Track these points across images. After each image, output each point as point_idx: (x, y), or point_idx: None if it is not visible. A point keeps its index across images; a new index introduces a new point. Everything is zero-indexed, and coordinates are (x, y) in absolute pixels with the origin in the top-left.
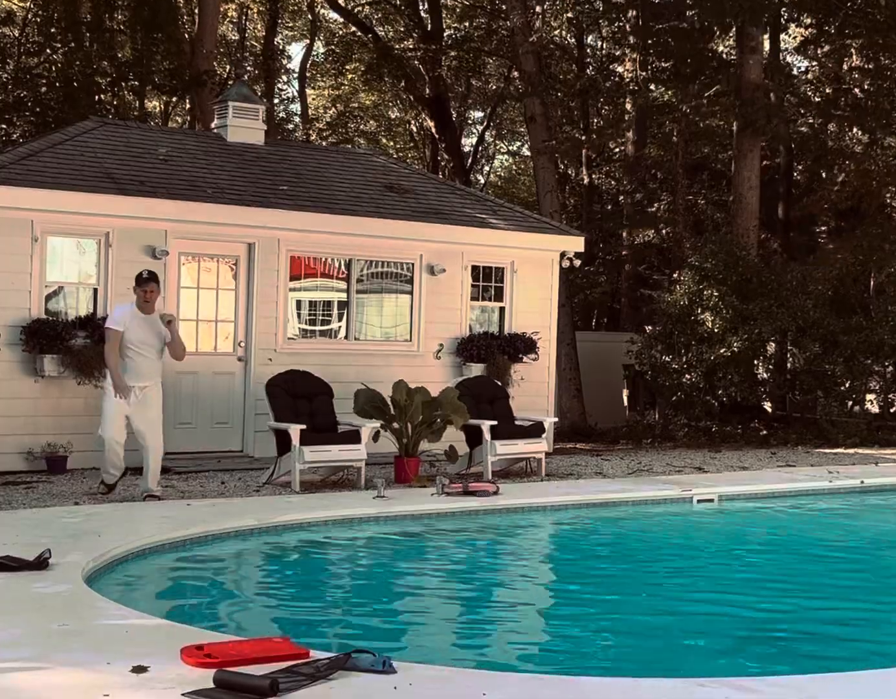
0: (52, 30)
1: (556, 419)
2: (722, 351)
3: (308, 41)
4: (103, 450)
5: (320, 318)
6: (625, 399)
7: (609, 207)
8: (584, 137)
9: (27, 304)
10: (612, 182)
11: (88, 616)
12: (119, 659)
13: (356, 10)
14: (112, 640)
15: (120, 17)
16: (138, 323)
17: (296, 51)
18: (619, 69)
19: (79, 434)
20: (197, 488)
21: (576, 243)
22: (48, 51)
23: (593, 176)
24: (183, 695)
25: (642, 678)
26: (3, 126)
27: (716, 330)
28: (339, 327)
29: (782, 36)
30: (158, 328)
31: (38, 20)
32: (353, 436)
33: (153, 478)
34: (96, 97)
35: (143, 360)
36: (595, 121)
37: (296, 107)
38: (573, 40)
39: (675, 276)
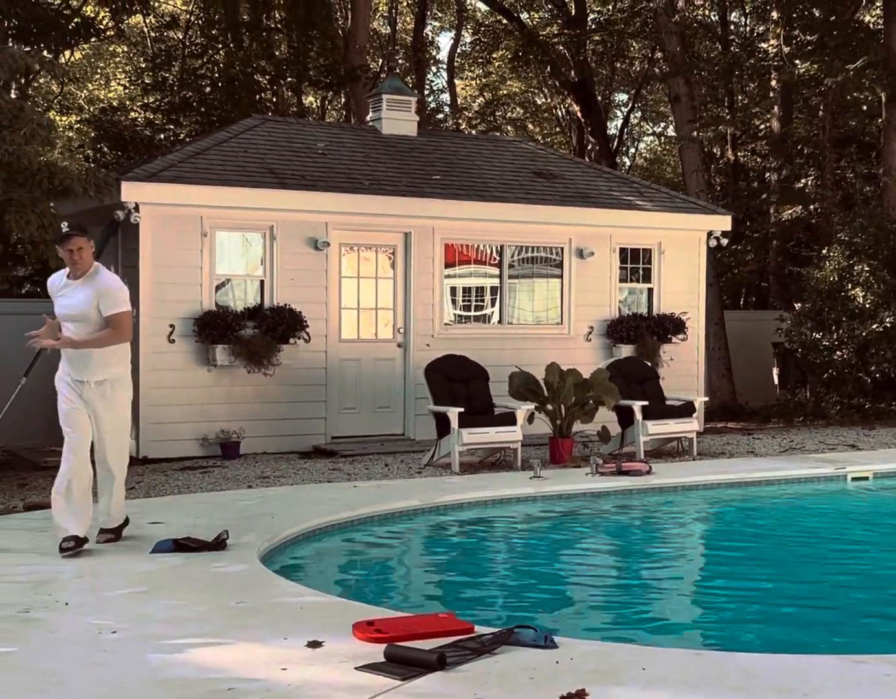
0: (214, 32)
1: (707, 398)
2: (874, 326)
3: (455, 31)
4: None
5: (474, 303)
6: (775, 377)
7: (755, 184)
8: (728, 116)
9: (199, 297)
10: (758, 159)
11: (265, 594)
12: (295, 634)
13: None
14: (288, 617)
15: (277, 16)
16: (66, 292)
17: (444, 42)
18: (763, 45)
19: (250, 420)
20: (362, 471)
21: (723, 222)
22: (210, 52)
23: (739, 153)
24: (356, 668)
25: (801, 655)
26: (171, 126)
27: (867, 305)
28: (493, 312)
29: None
30: (93, 296)
31: (200, 23)
32: (508, 418)
33: (117, 506)
34: (256, 95)
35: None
36: (740, 98)
37: (445, 97)
38: (716, 18)
39: (824, 251)
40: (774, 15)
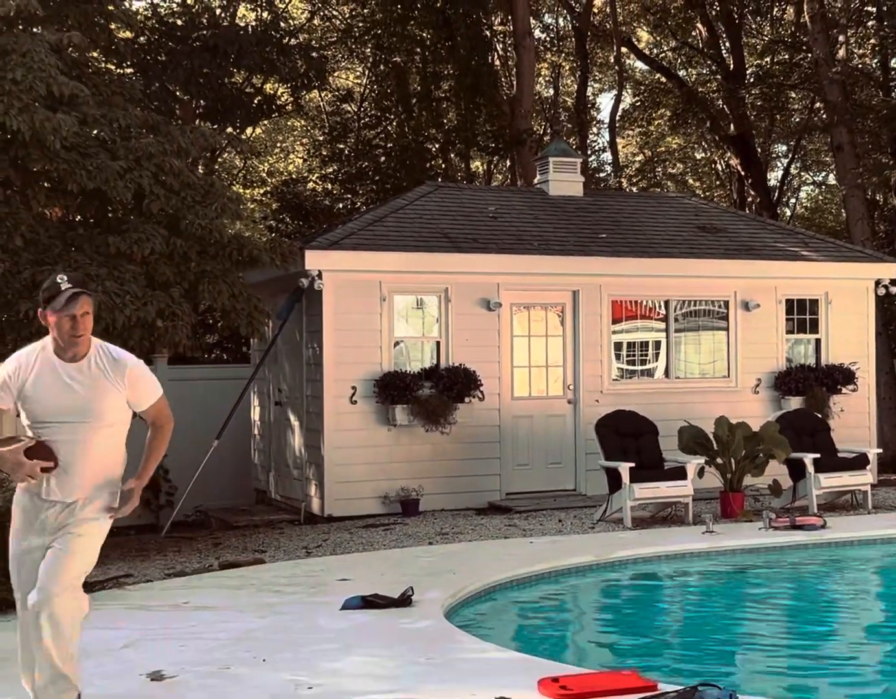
0: (386, 103)
1: (880, 450)
2: None
3: (616, 92)
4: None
5: (639, 357)
6: None
7: None
8: (892, 162)
9: (378, 359)
10: None
11: (451, 650)
12: (482, 690)
13: (660, 57)
14: (474, 673)
15: (445, 86)
16: (51, 378)
17: (605, 102)
18: None
19: (428, 478)
20: (537, 526)
21: (891, 270)
22: (384, 123)
23: None
24: None
25: None
26: (348, 195)
27: None
28: (658, 366)
29: None
30: (103, 388)
31: (374, 96)
32: (679, 473)
33: (52, 687)
34: (427, 163)
35: (67, 449)
36: None
37: (606, 155)
38: (877, 64)
39: None
40: None
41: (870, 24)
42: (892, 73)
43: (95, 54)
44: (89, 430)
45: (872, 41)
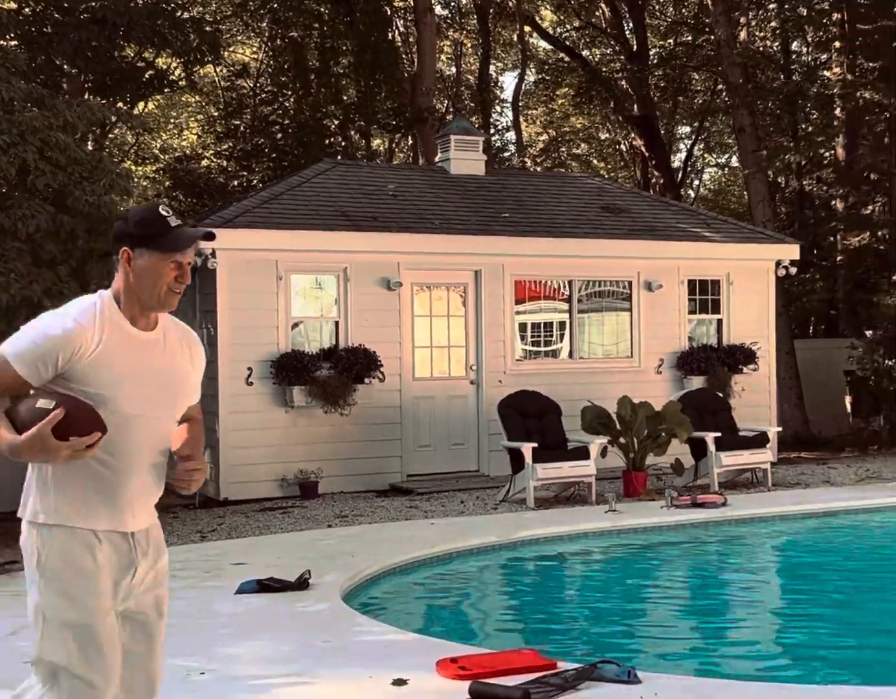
0: (283, 79)
1: (780, 428)
2: None
3: (519, 71)
4: None
5: (543, 338)
6: (847, 406)
7: (822, 213)
8: (792, 145)
9: (275, 340)
10: (824, 187)
11: (348, 632)
12: (380, 672)
13: (564, 37)
14: (372, 655)
15: (344, 62)
16: (128, 355)
17: (508, 81)
18: (826, 73)
19: (327, 460)
20: (438, 508)
21: (791, 251)
22: (280, 99)
23: (804, 182)
24: None
25: (892, 687)
26: (244, 173)
27: None
28: (562, 347)
29: None
30: (185, 367)
31: (270, 71)
32: (582, 453)
33: None
34: (326, 140)
35: (151, 451)
36: (804, 127)
37: (510, 135)
38: (778, 47)
39: (894, 278)
40: (837, 44)
41: (771, 7)
42: (793, 56)
43: None
44: (169, 425)
45: (773, 24)
